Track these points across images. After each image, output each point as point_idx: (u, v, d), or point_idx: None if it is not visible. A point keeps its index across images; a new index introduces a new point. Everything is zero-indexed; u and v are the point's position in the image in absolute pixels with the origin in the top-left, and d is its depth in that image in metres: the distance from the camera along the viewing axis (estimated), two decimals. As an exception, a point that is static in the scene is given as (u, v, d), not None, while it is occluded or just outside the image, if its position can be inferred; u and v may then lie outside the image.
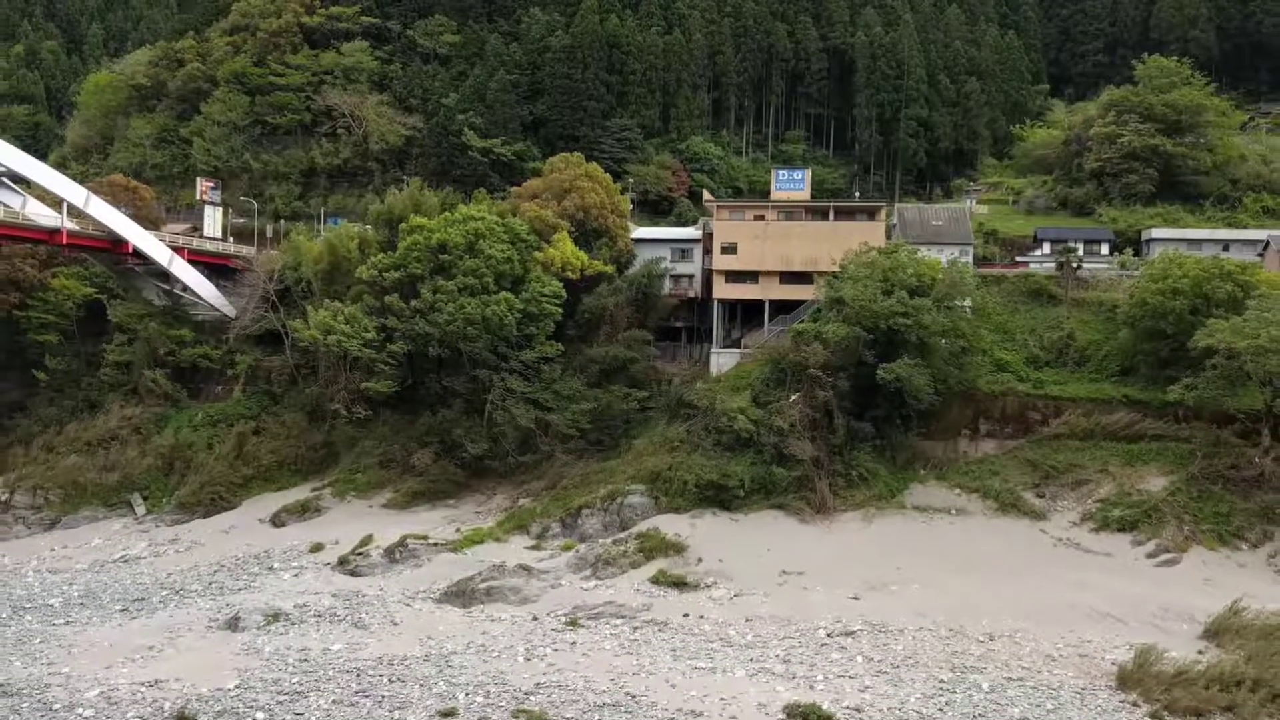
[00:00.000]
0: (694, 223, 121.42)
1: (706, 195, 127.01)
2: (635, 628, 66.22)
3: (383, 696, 55.21)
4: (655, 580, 74.55)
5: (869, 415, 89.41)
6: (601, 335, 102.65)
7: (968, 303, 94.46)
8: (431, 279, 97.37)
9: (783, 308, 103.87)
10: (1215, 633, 63.28)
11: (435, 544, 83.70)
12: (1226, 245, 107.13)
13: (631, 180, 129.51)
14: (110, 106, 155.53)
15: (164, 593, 76.94)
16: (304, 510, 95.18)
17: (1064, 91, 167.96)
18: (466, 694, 55.45)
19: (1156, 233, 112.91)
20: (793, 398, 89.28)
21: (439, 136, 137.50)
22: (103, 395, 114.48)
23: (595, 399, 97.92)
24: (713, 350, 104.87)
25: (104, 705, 54.54)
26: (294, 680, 57.60)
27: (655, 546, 79.08)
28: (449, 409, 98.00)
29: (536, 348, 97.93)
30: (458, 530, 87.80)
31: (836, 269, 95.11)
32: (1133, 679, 56.13)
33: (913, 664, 59.66)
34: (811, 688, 56.26)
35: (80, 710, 53.95)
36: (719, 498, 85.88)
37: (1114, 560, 77.52)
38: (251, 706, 53.99)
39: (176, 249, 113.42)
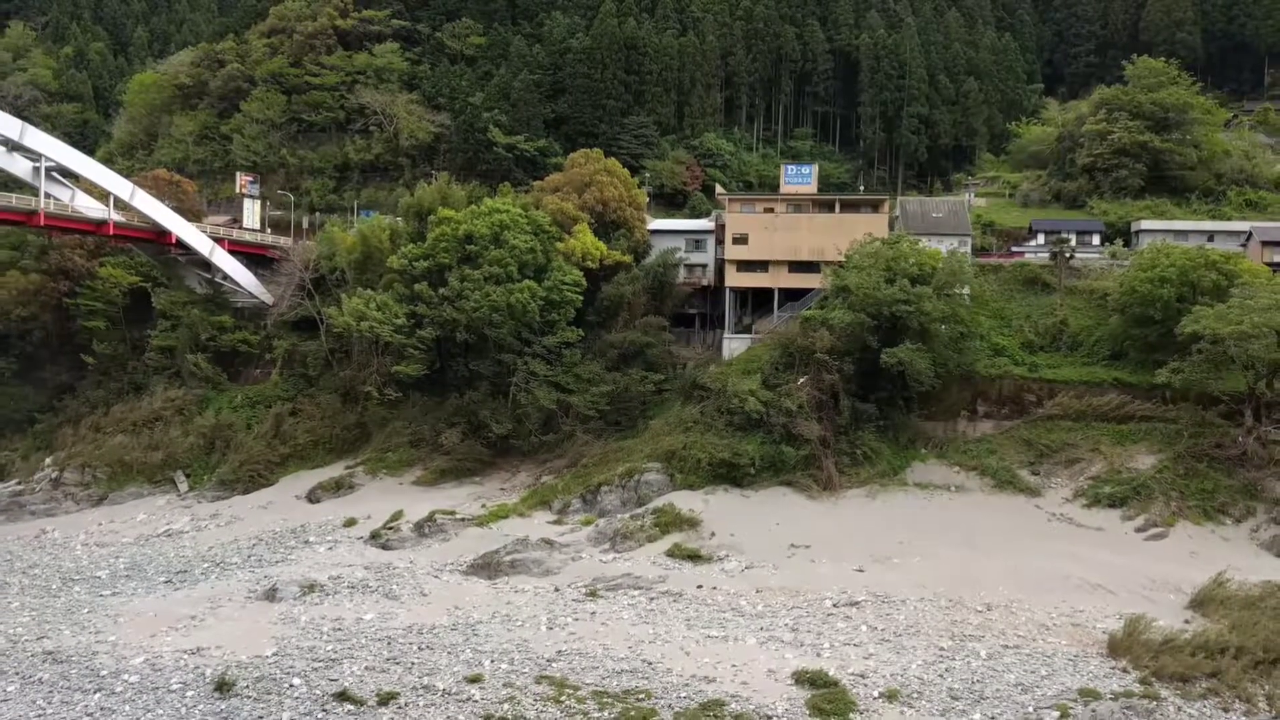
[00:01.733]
0: (707, 215, 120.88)
1: (719, 189, 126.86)
2: (651, 598, 65.98)
3: (413, 663, 55.14)
4: (670, 553, 74.33)
5: (873, 397, 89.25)
6: (620, 321, 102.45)
7: (966, 290, 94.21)
8: (459, 268, 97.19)
9: (791, 295, 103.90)
10: (1201, 603, 63.03)
11: (462, 519, 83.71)
12: (1211, 236, 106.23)
13: (648, 174, 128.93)
14: (154, 105, 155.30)
15: (205, 565, 77.04)
16: (338, 487, 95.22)
17: (1057, 90, 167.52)
18: (492, 661, 55.34)
19: (1145, 224, 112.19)
20: (800, 380, 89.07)
21: (466, 133, 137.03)
22: (147, 378, 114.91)
23: (614, 382, 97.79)
24: (725, 335, 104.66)
25: (149, 672, 54.59)
26: (329, 648, 57.59)
27: (670, 521, 78.93)
28: (475, 391, 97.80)
29: (558, 333, 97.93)
30: (483, 506, 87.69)
31: (842, 259, 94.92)
32: (1123, 647, 55.90)
33: (914, 633, 59.33)
34: (818, 655, 56.01)
35: (126, 676, 53.99)
36: (731, 475, 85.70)
37: (1105, 534, 77.27)
38: (288, 673, 53.95)
39: (217, 240, 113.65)
